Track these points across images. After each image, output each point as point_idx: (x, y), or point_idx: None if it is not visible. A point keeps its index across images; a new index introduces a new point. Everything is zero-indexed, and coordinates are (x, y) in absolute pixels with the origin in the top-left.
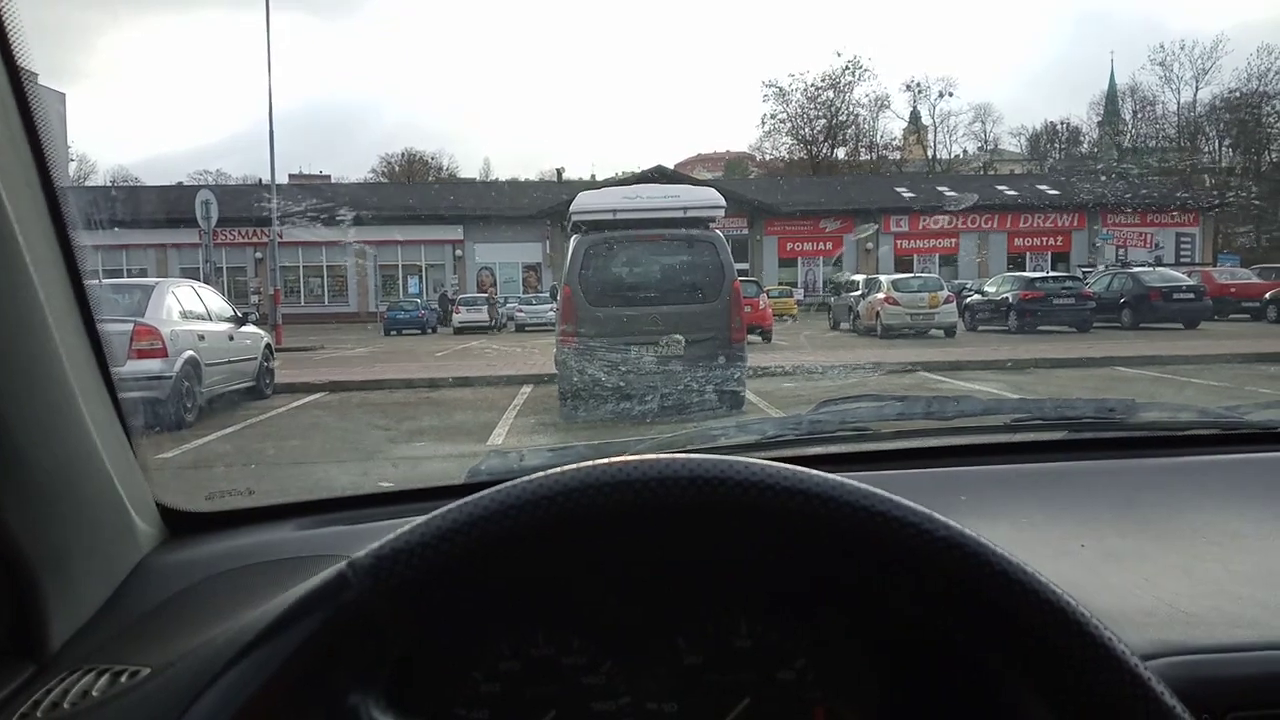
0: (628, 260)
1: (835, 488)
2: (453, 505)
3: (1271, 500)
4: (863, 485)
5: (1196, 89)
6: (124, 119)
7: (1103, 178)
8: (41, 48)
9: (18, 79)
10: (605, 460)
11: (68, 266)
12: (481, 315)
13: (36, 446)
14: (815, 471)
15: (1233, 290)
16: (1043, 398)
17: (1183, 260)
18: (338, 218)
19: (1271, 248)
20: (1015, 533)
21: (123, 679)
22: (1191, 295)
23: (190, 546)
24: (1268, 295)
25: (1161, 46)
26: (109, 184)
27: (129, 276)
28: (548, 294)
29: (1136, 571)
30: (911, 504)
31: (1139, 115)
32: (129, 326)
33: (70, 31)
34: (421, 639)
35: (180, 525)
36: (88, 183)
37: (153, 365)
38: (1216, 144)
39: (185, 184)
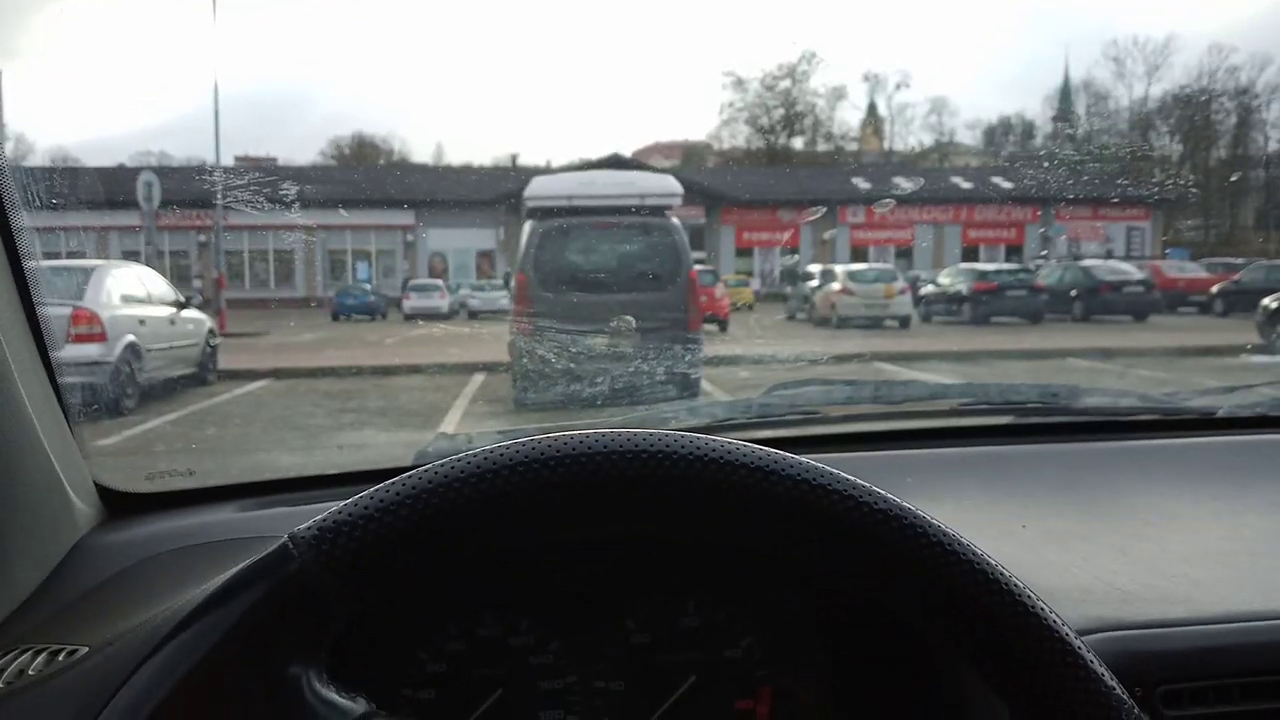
0: (583, 247)
1: (777, 461)
2: (396, 479)
3: (1207, 483)
4: (804, 460)
5: (1149, 85)
6: (62, 98)
7: (1049, 165)
8: None
9: None
10: (552, 435)
11: (6, 247)
12: (435, 301)
13: None
14: (757, 446)
15: (1181, 284)
16: (989, 383)
17: (1133, 253)
18: (285, 201)
19: (1219, 242)
20: (959, 513)
21: (60, 658)
22: (1141, 288)
23: (130, 527)
24: (1215, 289)
25: (1115, 42)
26: (47, 164)
27: (68, 259)
28: (501, 280)
29: (1075, 551)
30: (852, 478)
31: (1092, 109)
32: (67, 310)
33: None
34: (365, 614)
35: (120, 506)
36: (25, 163)
37: (91, 350)
38: (1168, 139)
39: (127, 165)
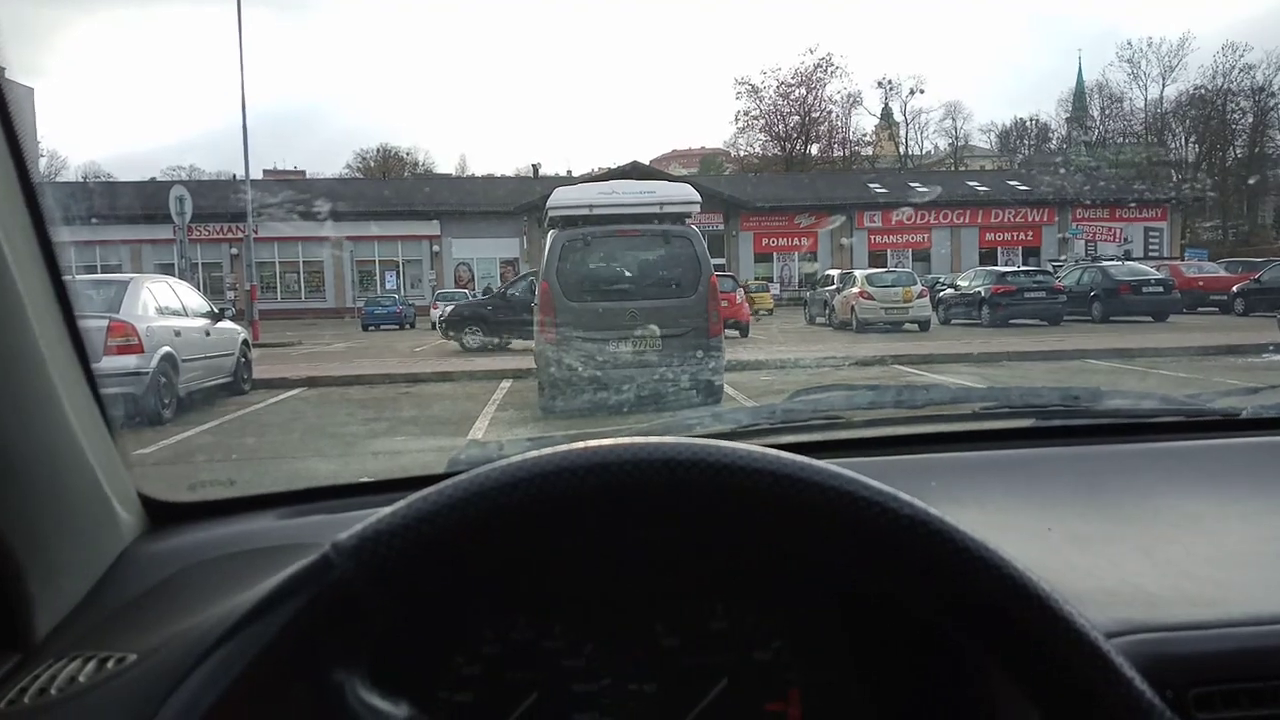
0: (604, 255)
1: (804, 469)
2: (433, 488)
3: (1231, 484)
4: (831, 467)
5: (1164, 86)
6: (93, 115)
7: (1065, 170)
8: None
9: None
10: (581, 444)
11: (46, 261)
12: None
13: (17, 436)
14: (784, 453)
15: (1200, 284)
16: (1010, 386)
17: (1151, 254)
18: (314, 213)
19: (1238, 242)
20: (983, 517)
21: (109, 665)
22: (1160, 289)
23: (173, 536)
24: (1235, 289)
25: (1129, 44)
26: (81, 180)
27: (103, 272)
28: None
29: (1100, 554)
30: (878, 484)
31: (1107, 112)
32: (104, 323)
33: (26, 27)
34: (404, 620)
35: (162, 515)
36: (59, 179)
37: (128, 361)
38: (1183, 140)
39: (159, 179)
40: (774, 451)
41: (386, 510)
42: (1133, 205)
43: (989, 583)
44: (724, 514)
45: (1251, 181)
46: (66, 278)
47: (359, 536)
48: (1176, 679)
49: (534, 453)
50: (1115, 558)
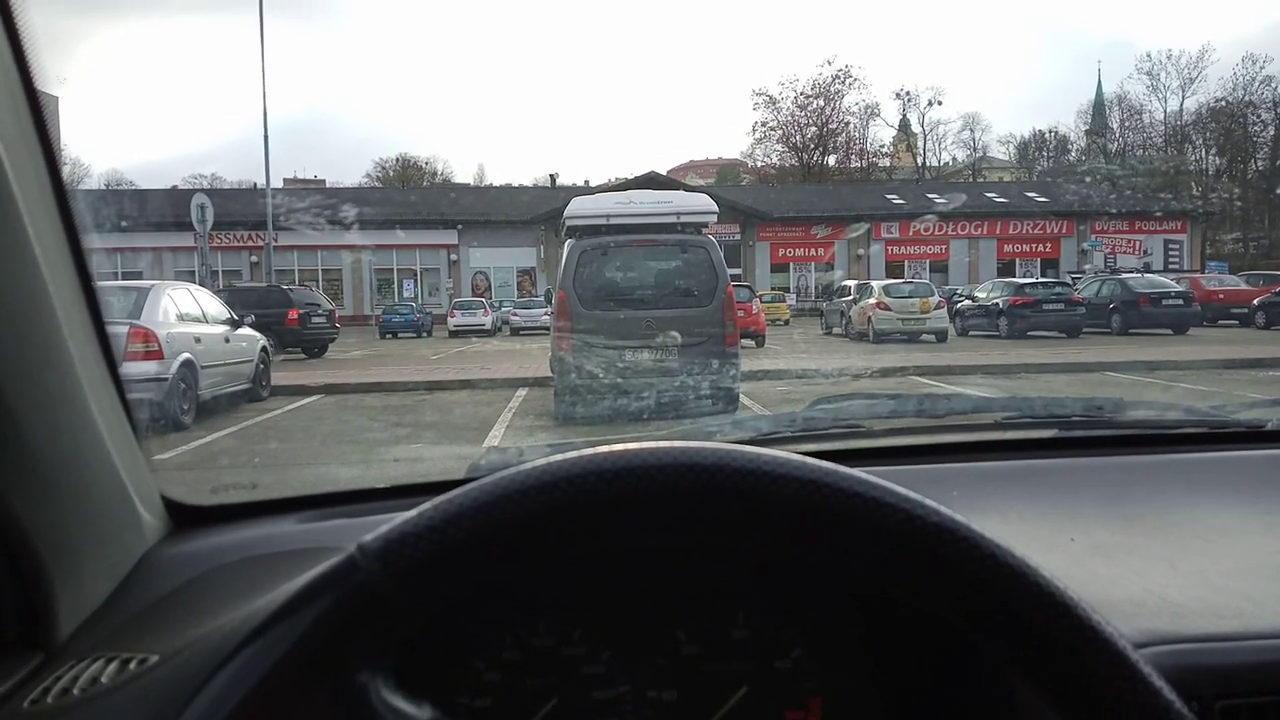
0: (622, 265)
1: (830, 474)
2: (458, 491)
3: (1256, 496)
4: (855, 472)
5: (1183, 98)
6: (116, 124)
7: (1088, 181)
8: None
9: (29, 80)
10: (605, 448)
11: (77, 266)
12: (478, 318)
13: (44, 438)
14: (809, 459)
15: (1221, 296)
16: (1032, 396)
17: (1171, 267)
18: (333, 221)
19: (1259, 254)
20: (1006, 527)
21: (131, 666)
22: (1180, 301)
23: (195, 539)
24: (1255, 301)
25: (1148, 55)
26: (105, 187)
27: (124, 279)
28: (542, 298)
29: (1124, 564)
30: (904, 490)
31: (1126, 124)
32: (124, 329)
33: (51, 36)
34: (428, 622)
35: (185, 518)
36: (81, 186)
37: (149, 367)
38: (1203, 152)
39: (180, 187)
40: (799, 457)
41: (412, 513)
42: (1155, 217)
43: (1016, 590)
44: (748, 519)
45: (1279, 192)
46: (96, 282)
47: (384, 538)
48: (1203, 691)
49: (558, 457)
50: (1139, 568)
